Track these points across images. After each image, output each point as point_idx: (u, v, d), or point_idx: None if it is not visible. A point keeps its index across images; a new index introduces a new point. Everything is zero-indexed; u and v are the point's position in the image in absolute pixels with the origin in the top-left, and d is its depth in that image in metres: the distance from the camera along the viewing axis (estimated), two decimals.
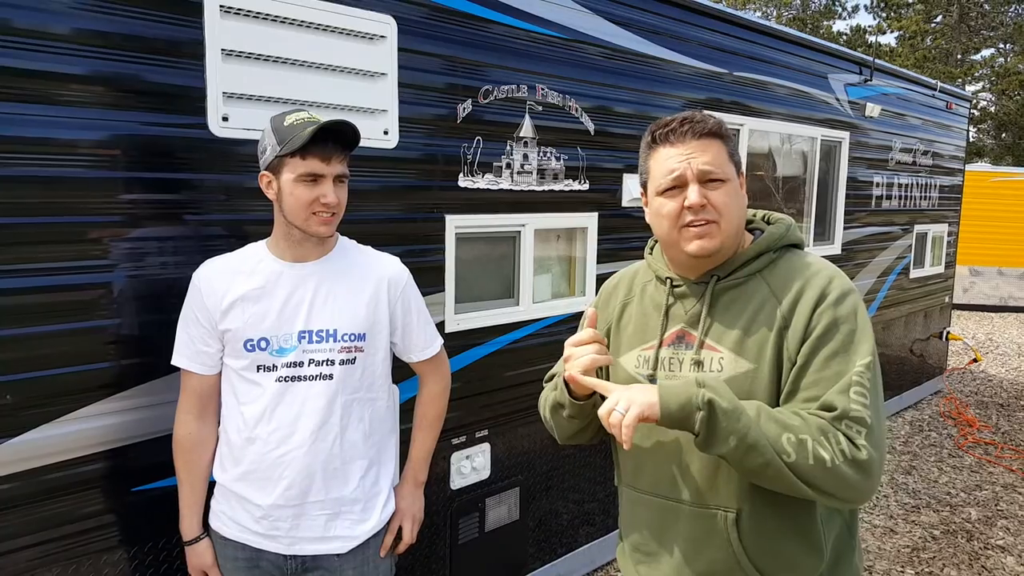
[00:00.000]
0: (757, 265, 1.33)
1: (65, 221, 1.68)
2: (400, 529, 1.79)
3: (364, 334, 1.66)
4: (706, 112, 1.34)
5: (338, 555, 1.67)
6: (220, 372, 1.68)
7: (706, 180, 1.28)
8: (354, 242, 1.76)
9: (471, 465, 2.69)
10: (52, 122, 1.65)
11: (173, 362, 1.68)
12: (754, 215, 1.45)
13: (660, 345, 1.35)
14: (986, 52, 26.59)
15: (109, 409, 1.78)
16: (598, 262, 3.09)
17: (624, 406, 1.16)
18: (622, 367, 1.41)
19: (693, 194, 1.27)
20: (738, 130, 3.81)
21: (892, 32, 26.85)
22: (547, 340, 2.91)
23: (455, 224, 2.53)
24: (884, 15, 27.18)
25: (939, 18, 26.32)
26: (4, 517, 1.65)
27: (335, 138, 1.56)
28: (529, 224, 2.79)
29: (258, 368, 1.61)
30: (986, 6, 25.70)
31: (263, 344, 1.60)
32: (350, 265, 1.69)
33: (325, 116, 1.62)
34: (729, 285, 1.33)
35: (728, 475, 1.28)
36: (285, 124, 1.57)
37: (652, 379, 1.35)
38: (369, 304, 1.67)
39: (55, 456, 1.71)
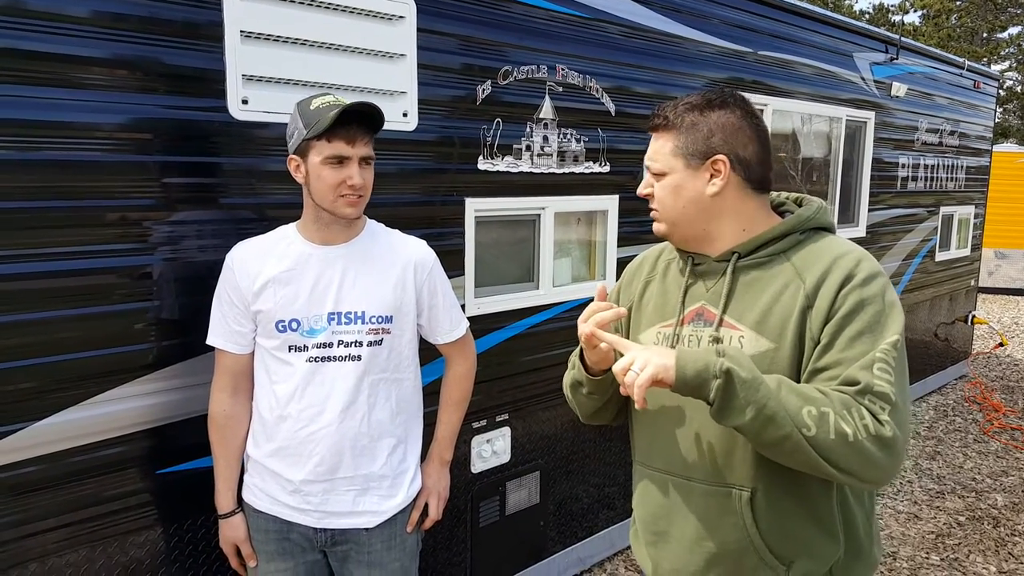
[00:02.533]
0: (782, 245, 1.30)
1: (86, 205, 1.68)
2: (426, 506, 1.82)
3: (391, 316, 1.68)
4: (690, 97, 1.32)
5: (366, 529, 1.70)
6: (253, 351, 1.70)
7: (652, 172, 1.34)
8: (382, 225, 1.77)
9: (492, 449, 2.69)
10: (72, 105, 1.64)
11: (208, 341, 1.70)
12: (786, 197, 1.42)
13: (680, 323, 1.34)
14: (1013, 30, 25.91)
15: (133, 392, 1.79)
16: (619, 245, 3.05)
17: (640, 365, 1.14)
18: (641, 344, 1.39)
19: (641, 184, 1.37)
20: (762, 110, 3.74)
21: (916, 10, 26.24)
22: (567, 324, 2.88)
23: (474, 207, 2.50)
24: None
25: None
26: (32, 499, 1.66)
27: (360, 120, 1.57)
28: (549, 207, 2.76)
29: (289, 348, 1.64)
30: None
31: (294, 325, 1.63)
32: (378, 248, 1.70)
33: (349, 98, 1.62)
34: (751, 264, 1.30)
35: (745, 453, 1.26)
36: (311, 108, 1.58)
37: None
38: (396, 287, 1.69)
39: (80, 439, 1.72)
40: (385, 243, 1.73)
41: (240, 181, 1.94)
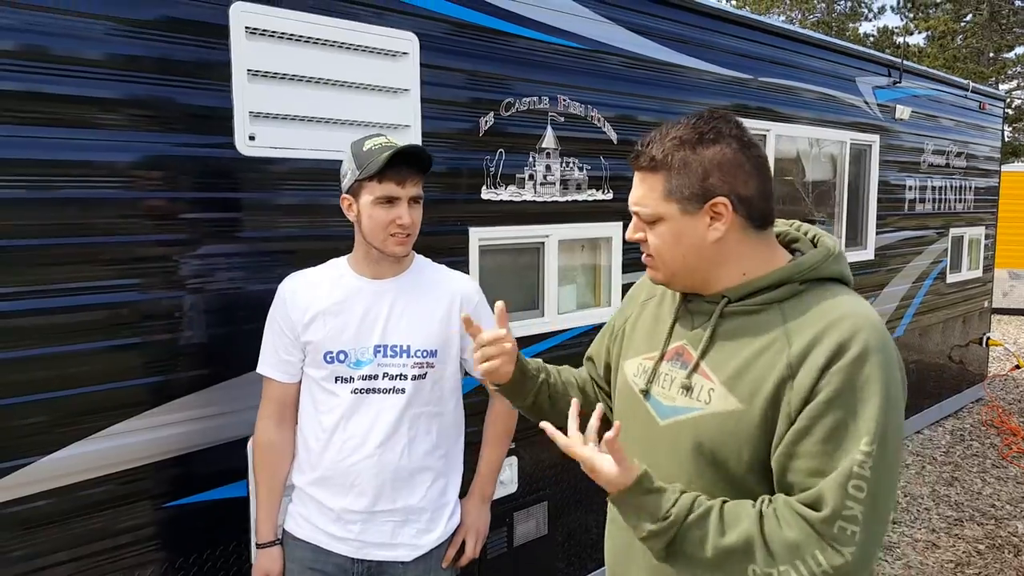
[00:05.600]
0: (776, 295, 1.17)
1: (99, 241, 1.72)
2: (464, 542, 1.81)
3: (436, 350, 1.71)
4: (677, 130, 1.18)
5: (403, 563, 1.71)
6: (300, 381, 1.73)
7: (643, 218, 1.21)
8: (429, 260, 1.81)
9: (499, 479, 2.67)
10: (86, 145, 1.68)
11: (258, 370, 1.74)
12: (804, 233, 1.29)
13: (661, 357, 1.29)
14: (1019, 49, 25.98)
15: (141, 426, 1.80)
16: (623, 271, 3.06)
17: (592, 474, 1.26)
18: (623, 372, 1.38)
19: (629, 229, 1.26)
20: (764, 135, 3.76)
21: (920, 32, 26.40)
22: (573, 351, 2.88)
23: (479, 236, 2.53)
24: (911, 15, 26.75)
25: (969, 16, 25.81)
26: (40, 533, 1.67)
27: (409, 162, 1.62)
28: (553, 235, 2.78)
29: (336, 379, 1.67)
30: (1018, 2, 25.13)
31: (341, 356, 1.66)
32: (425, 283, 1.74)
33: (355, 133, 1.65)
34: (740, 310, 1.19)
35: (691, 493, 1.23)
36: (364, 149, 1.63)
37: (646, 393, 1.30)
38: (442, 321, 1.72)
39: (89, 473, 1.73)
40: (432, 277, 1.77)
41: (247, 216, 1.97)
